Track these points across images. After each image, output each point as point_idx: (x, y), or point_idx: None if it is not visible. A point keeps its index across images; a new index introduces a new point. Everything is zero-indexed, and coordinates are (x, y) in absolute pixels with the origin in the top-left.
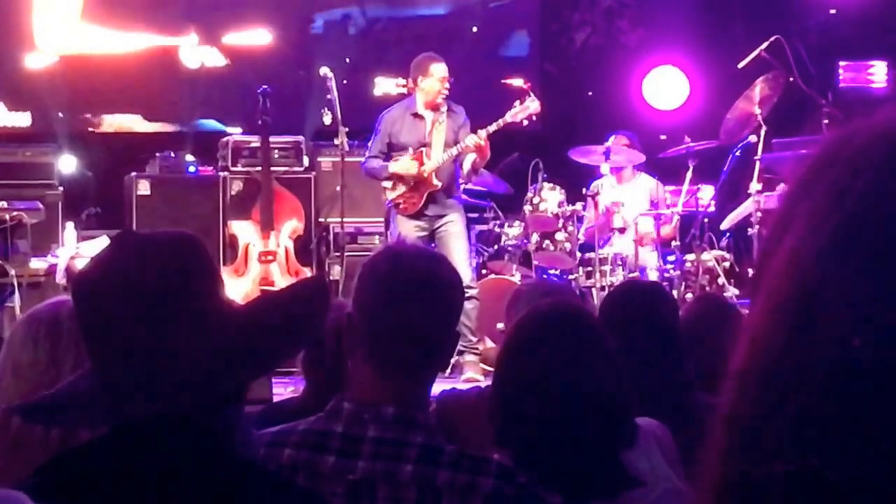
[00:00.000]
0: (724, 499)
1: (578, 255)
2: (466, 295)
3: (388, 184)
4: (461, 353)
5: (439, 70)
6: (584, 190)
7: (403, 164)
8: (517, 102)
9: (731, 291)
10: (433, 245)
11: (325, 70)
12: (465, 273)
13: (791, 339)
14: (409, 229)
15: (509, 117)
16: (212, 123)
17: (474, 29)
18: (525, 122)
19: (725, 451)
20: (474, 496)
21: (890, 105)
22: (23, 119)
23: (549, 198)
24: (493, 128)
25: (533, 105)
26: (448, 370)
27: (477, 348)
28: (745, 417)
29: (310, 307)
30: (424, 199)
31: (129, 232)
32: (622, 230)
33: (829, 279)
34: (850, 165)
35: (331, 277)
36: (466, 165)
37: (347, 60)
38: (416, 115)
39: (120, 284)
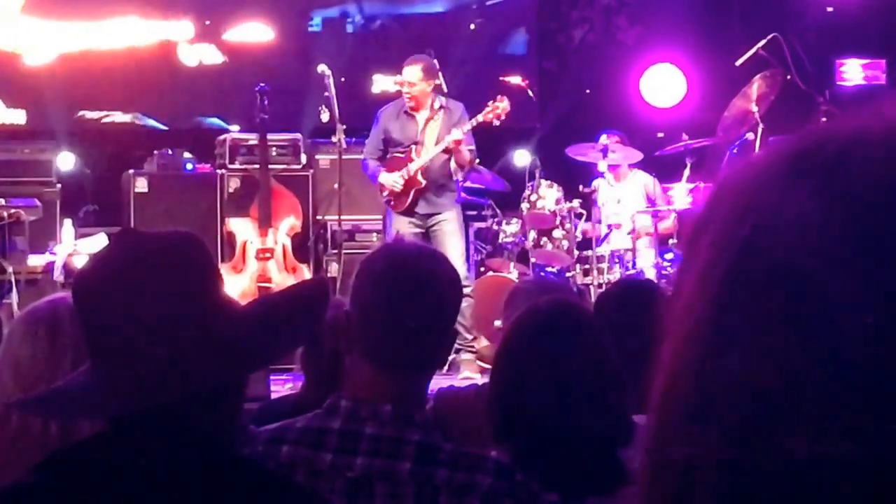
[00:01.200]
0: (655, 483)
1: (576, 252)
2: None
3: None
4: (457, 351)
5: (404, 73)
6: (580, 187)
7: (390, 179)
8: (490, 102)
9: None
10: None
11: (322, 67)
12: (460, 271)
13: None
14: (404, 227)
15: (481, 117)
16: (214, 121)
17: (472, 26)
18: (496, 122)
19: (657, 441)
20: (472, 494)
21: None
22: (20, 116)
23: (547, 195)
24: (466, 127)
25: (503, 105)
26: (445, 368)
27: (473, 346)
28: (672, 409)
29: (308, 303)
30: (412, 198)
31: (129, 230)
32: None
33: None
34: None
35: (328, 275)
36: (452, 165)
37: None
38: (408, 114)
39: (121, 282)
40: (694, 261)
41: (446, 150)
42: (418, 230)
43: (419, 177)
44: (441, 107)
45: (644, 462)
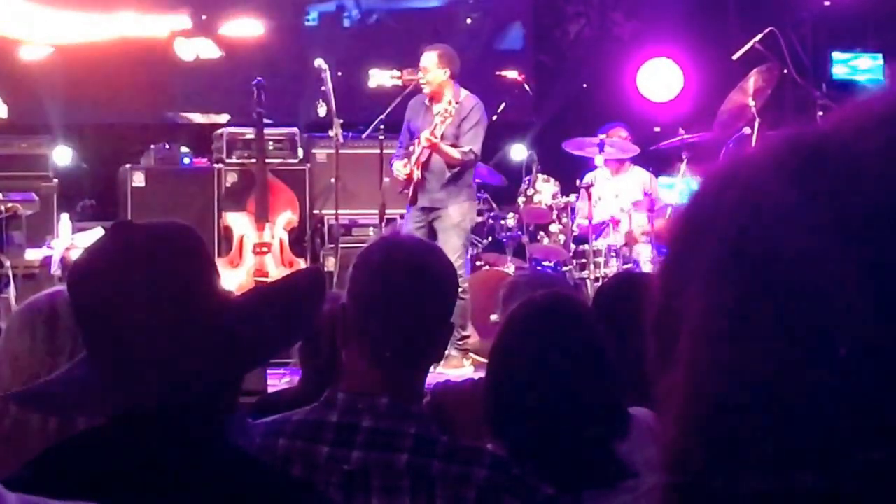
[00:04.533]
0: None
1: (573, 246)
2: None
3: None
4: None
5: (422, 58)
6: (577, 182)
7: (398, 167)
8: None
9: None
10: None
11: (319, 62)
12: None
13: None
14: (411, 220)
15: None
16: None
17: (469, 21)
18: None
19: (687, 474)
20: (468, 487)
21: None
22: (5, 111)
23: (544, 189)
24: (468, 125)
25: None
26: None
27: (460, 343)
28: (701, 445)
29: (305, 298)
30: (413, 191)
31: (124, 222)
32: (616, 222)
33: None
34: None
35: (325, 269)
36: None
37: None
38: (428, 106)
39: (115, 274)
40: (695, 260)
41: (431, 148)
42: (419, 224)
43: (415, 170)
44: (455, 102)
45: (673, 493)
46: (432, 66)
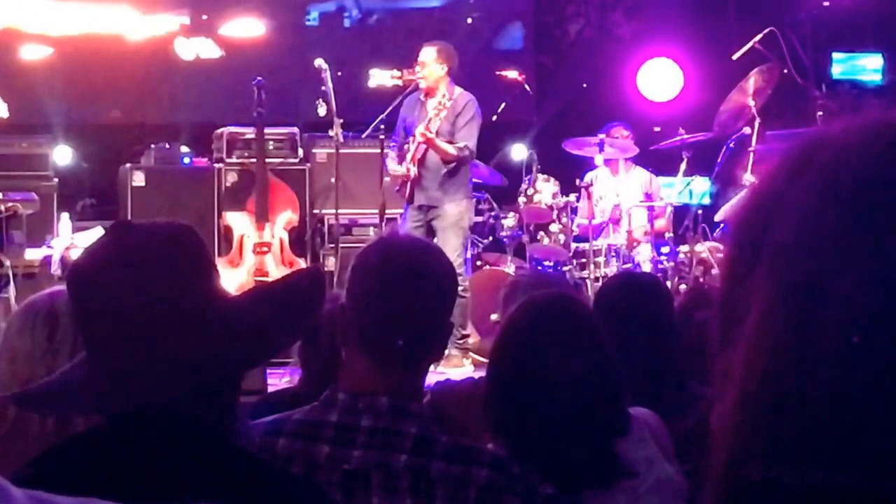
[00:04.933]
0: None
1: (573, 246)
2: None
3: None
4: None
5: (420, 53)
6: (577, 181)
7: (393, 167)
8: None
9: None
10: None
11: (319, 62)
12: None
13: (795, 346)
14: (409, 219)
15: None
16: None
17: (469, 20)
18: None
19: (733, 458)
20: (468, 486)
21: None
22: (18, 111)
23: (544, 189)
24: (462, 121)
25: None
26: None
27: (461, 343)
28: (753, 426)
29: (305, 297)
30: (409, 189)
31: (123, 222)
32: (617, 221)
33: (830, 279)
34: (833, 165)
35: (325, 269)
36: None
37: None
38: (423, 101)
39: (115, 274)
40: (765, 242)
41: (426, 143)
42: (417, 223)
43: (411, 167)
44: (449, 98)
45: (717, 475)
46: (430, 61)
